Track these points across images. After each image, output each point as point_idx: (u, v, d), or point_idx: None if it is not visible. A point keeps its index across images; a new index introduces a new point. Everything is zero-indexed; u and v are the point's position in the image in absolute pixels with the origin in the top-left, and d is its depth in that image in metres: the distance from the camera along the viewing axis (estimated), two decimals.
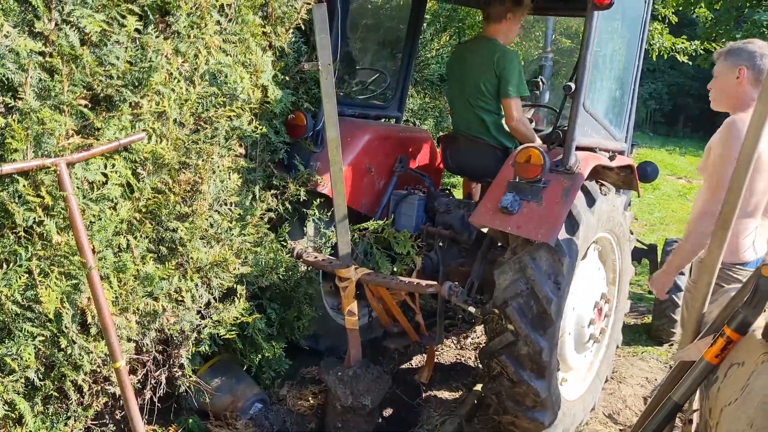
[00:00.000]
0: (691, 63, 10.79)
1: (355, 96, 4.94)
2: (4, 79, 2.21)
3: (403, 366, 4.55)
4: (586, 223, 3.32)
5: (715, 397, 1.85)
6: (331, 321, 4.21)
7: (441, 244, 4.05)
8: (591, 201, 3.41)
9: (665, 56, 10.87)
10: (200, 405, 3.60)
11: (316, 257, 3.60)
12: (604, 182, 3.72)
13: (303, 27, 3.57)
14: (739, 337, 1.90)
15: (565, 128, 3.41)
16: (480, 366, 4.55)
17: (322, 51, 3.06)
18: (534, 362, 3.20)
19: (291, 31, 3.51)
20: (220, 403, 3.59)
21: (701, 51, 9.97)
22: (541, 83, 3.55)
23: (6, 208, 2.25)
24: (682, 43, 10.73)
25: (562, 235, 3.20)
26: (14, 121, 2.19)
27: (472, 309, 3.55)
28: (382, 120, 4.94)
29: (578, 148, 3.38)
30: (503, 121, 4.09)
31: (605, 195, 3.60)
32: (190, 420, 3.53)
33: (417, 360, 4.65)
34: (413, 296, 3.75)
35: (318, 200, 3.71)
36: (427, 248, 4.08)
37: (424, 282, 3.41)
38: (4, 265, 2.27)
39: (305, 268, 3.74)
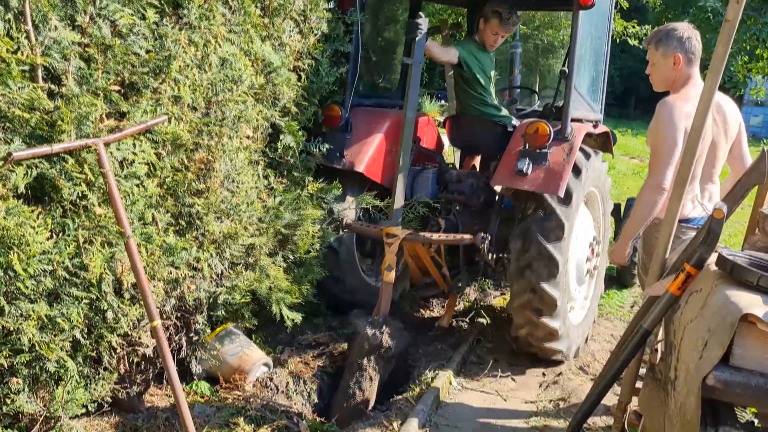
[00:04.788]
0: (642, 47, 11.34)
1: (369, 90, 5.64)
2: (51, 68, 2.46)
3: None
4: (583, 176, 4.20)
5: (678, 321, 2.24)
6: (365, 282, 4.84)
7: (458, 208, 4.73)
8: (582, 163, 4.24)
9: (617, 40, 11.38)
10: (209, 370, 3.90)
11: (362, 224, 4.32)
12: (587, 147, 4.41)
13: (296, 18, 3.87)
14: (697, 271, 2.29)
15: (555, 105, 4.32)
16: (465, 324, 5.01)
17: (418, 52, 3.97)
18: (555, 231, 4.03)
19: (285, 21, 3.80)
20: (228, 367, 3.88)
21: None
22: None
23: (55, 184, 2.50)
24: (633, 27, 11.25)
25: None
26: (62, 104, 2.44)
27: (491, 257, 4.25)
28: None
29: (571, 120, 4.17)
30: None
31: (592, 156, 4.35)
32: (201, 383, 3.81)
33: None
34: (440, 253, 4.53)
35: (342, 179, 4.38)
36: (446, 213, 4.76)
37: (459, 235, 4.18)
38: (55, 236, 2.53)
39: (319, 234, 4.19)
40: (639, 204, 3.31)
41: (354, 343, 3.87)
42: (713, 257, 2.27)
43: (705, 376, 1.84)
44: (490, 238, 4.15)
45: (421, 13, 4.05)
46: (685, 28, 3.34)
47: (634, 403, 3.03)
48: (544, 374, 4.41)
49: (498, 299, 5.72)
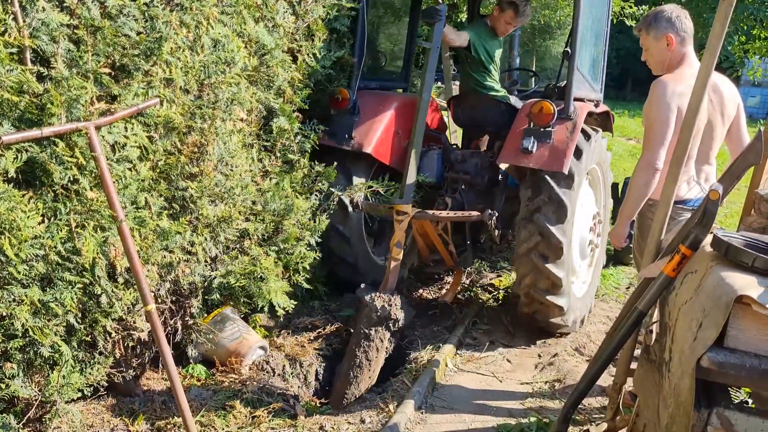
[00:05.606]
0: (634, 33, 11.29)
1: (373, 73, 5.67)
2: (39, 50, 2.42)
3: None
4: (592, 143, 4.37)
5: (673, 302, 2.23)
6: (372, 261, 4.97)
7: (463, 187, 4.87)
8: (587, 137, 4.38)
9: (614, 21, 11.29)
10: (205, 353, 3.89)
11: (372, 203, 4.35)
12: (589, 125, 4.50)
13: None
14: (692, 253, 2.28)
15: (557, 85, 4.46)
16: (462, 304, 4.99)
17: (436, 37, 4.00)
18: (566, 180, 4.15)
19: (279, 2, 3.75)
20: (224, 350, 3.88)
21: None
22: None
23: (46, 168, 2.48)
24: (630, 7, 11.16)
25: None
26: (52, 87, 2.41)
27: (496, 232, 4.41)
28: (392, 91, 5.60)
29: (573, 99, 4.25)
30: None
31: (599, 133, 4.49)
32: (197, 367, 3.81)
33: None
34: (446, 231, 4.67)
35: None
36: (452, 192, 4.91)
37: (467, 213, 4.28)
38: (47, 220, 2.51)
39: (304, 219, 4.13)
40: (633, 185, 3.31)
41: (361, 314, 3.89)
42: (708, 238, 2.26)
43: (699, 358, 1.83)
44: (497, 214, 4.26)
45: None
46: (672, 8, 3.34)
47: (629, 384, 3.03)
48: (539, 356, 4.42)
49: (494, 280, 5.73)
